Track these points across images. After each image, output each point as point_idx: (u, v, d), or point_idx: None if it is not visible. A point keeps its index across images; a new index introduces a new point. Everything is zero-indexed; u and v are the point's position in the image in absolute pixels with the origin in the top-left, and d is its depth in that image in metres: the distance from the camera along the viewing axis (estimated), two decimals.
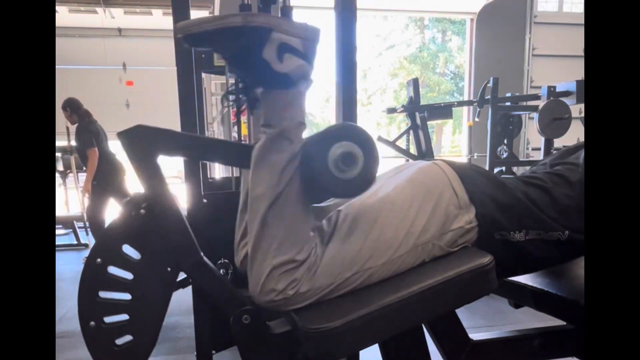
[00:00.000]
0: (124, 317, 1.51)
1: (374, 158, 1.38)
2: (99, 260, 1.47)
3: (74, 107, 6.14)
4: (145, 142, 1.45)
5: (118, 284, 1.50)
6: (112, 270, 1.49)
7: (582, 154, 1.64)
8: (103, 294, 1.50)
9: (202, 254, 1.53)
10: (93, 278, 1.48)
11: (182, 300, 2.82)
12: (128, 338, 1.52)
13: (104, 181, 6.03)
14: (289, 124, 1.37)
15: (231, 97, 1.50)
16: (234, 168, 4.35)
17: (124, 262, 1.50)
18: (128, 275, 1.50)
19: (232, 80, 1.50)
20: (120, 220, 1.50)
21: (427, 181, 1.43)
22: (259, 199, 1.37)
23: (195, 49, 1.38)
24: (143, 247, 1.52)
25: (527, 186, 1.52)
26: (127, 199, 1.51)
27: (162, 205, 1.48)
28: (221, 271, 2.00)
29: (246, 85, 1.46)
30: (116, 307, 1.50)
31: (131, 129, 1.44)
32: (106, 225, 1.72)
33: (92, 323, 1.48)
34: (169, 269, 1.54)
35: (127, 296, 1.52)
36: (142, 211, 1.50)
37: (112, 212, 6.54)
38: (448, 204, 1.40)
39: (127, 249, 1.50)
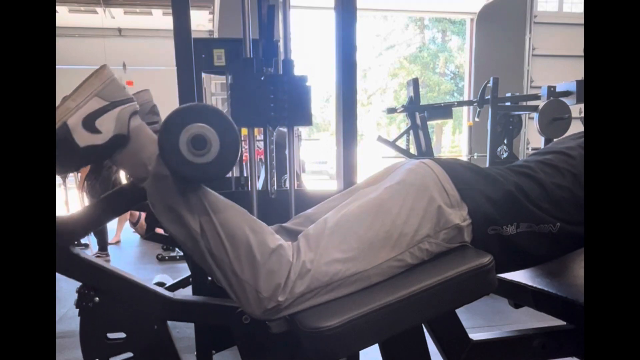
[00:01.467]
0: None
1: (232, 139, 1.33)
2: None
3: None
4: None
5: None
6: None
7: (573, 143, 1.63)
8: None
9: (171, 295, 1.55)
10: None
11: None
12: None
13: (97, 180, 6.05)
14: (153, 164, 1.35)
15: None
16: (234, 168, 4.34)
17: (117, 348, 1.52)
18: (129, 355, 1.52)
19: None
20: (85, 317, 1.51)
21: (417, 181, 1.42)
22: (188, 241, 1.37)
23: None
24: (121, 326, 1.53)
25: (517, 176, 1.52)
26: (76, 298, 1.52)
27: (106, 283, 1.49)
28: None
29: (101, 171, 1.44)
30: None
31: None
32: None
33: None
34: (155, 326, 1.55)
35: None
36: (97, 299, 1.50)
37: None
38: (439, 202, 1.39)
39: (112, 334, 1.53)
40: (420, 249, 1.39)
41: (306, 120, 1.87)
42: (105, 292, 1.50)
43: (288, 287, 1.31)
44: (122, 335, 1.52)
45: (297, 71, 1.91)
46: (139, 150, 1.36)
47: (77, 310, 1.52)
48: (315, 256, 1.34)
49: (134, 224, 7.12)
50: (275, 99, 1.81)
